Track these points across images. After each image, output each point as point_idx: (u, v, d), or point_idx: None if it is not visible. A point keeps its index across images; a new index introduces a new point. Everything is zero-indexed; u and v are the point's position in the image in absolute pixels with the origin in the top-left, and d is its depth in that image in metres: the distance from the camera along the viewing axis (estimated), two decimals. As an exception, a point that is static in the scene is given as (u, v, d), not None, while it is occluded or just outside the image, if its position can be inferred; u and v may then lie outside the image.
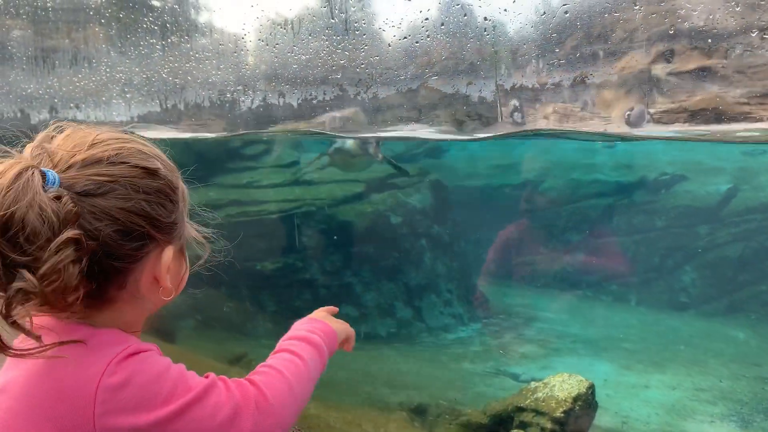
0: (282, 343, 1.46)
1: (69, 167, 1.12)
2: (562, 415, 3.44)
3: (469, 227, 8.56)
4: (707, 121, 3.83)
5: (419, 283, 7.21)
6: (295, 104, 3.85)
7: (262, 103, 3.94)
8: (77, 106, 4.65)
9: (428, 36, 3.80)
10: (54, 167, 1.11)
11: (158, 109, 4.29)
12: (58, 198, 1.05)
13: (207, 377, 1.22)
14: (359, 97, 4.12)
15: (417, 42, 3.85)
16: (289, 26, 3.59)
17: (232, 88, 3.98)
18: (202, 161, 6.67)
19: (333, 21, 3.63)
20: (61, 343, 1.11)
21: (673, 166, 10.06)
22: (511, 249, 8.10)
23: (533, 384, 3.79)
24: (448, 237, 7.80)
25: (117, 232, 1.12)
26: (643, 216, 9.61)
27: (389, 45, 3.91)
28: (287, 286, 6.33)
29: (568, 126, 4.39)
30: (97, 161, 1.13)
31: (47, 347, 1.09)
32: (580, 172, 10.27)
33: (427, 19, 3.78)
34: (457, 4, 3.73)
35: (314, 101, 3.81)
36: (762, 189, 9.41)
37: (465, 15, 3.74)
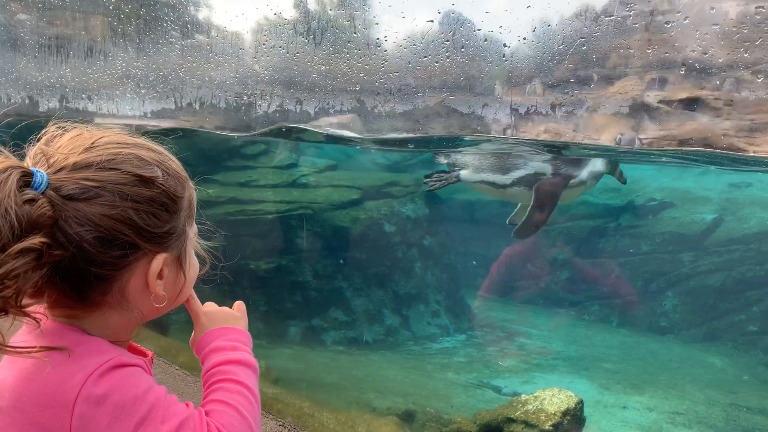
0: (220, 368, 1.33)
1: (61, 169, 1.10)
2: (551, 428, 3.56)
3: (459, 240, 8.68)
4: (693, 151, 3.94)
5: (408, 292, 7.31)
6: (312, 112, 3.91)
7: (278, 108, 4.00)
8: (89, 98, 4.67)
9: (428, 51, 3.86)
10: (48, 168, 1.11)
11: (173, 107, 4.32)
12: (31, 201, 1.04)
13: (187, 406, 1.18)
14: (377, 110, 4.18)
15: (417, 56, 3.91)
16: (311, 36, 3.66)
17: (250, 92, 4.02)
18: (203, 158, 6.72)
19: (355, 35, 3.71)
20: (47, 348, 1.09)
21: (661, 193, 10.25)
22: (500, 265, 8.20)
23: (523, 396, 3.90)
24: (439, 248, 7.90)
25: (98, 239, 1.10)
26: (629, 239, 9.79)
27: (384, 57, 3.99)
28: (279, 286, 6.40)
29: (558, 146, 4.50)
30: (88, 165, 1.11)
31: (32, 349, 1.08)
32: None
33: (427, 35, 3.84)
34: (458, 21, 3.81)
35: (331, 110, 3.87)
36: (746, 220, 9.61)
37: (465, 32, 3.81)
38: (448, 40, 3.84)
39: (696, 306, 8.87)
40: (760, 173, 7.85)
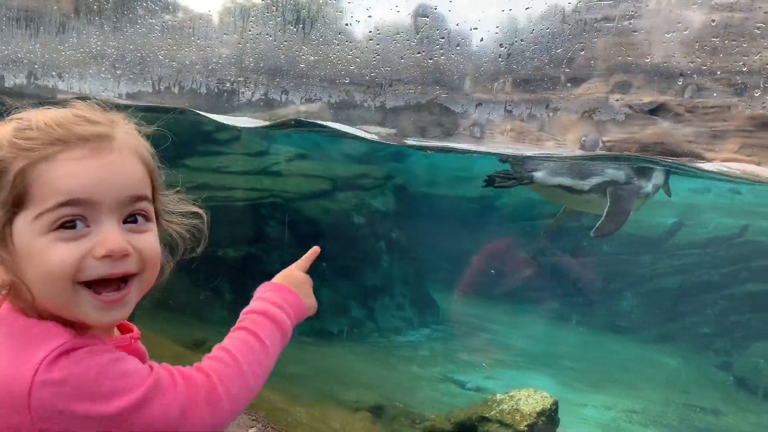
0: (246, 316, 1.35)
1: None
2: (526, 428, 3.64)
3: (426, 234, 8.76)
4: (656, 155, 4.06)
5: (374, 284, 7.36)
6: (298, 102, 3.88)
7: (262, 97, 3.95)
8: (59, 75, 4.55)
9: (398, 44, 3.87)
10: None
11: (150, 90, 4.22)
12: None
13: (152, 370, 1.14)
14: (345, 100, 4.18)
15: (387, 48, 3.92)
16: (300, 26, 3.63)
17: (233, 78, 3.94)
18: (174, 141, 6.59)
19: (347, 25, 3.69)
20: None
21: (623, 194, 10.50)
22: (465, 260, 8.32)
23: (498, 396, 3.97)
24: (406, 242, 7.96)
25: None
26: (591, 240, 10.02)
27: (361, 48, 3.99)
28: (246, 275, 6.34)
29: (524, 144, 4.58)
30: None
31: None
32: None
33: (399, 30, 3.87)
34: (427, 15, 3.82)
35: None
36: (704, 226, 9.97)
37: (435, 26, 3.83)
38: (417, 34, 3.86)
39: (653, 307, 9.18)
40: (718, 181, 8.16)
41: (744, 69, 3.24)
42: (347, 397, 4.77)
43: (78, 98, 1.23)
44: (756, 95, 3.30)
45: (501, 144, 4.45)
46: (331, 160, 8.36)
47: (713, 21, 3.30)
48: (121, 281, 1.14)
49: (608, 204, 5.44)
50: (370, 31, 3.92)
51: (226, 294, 6.35)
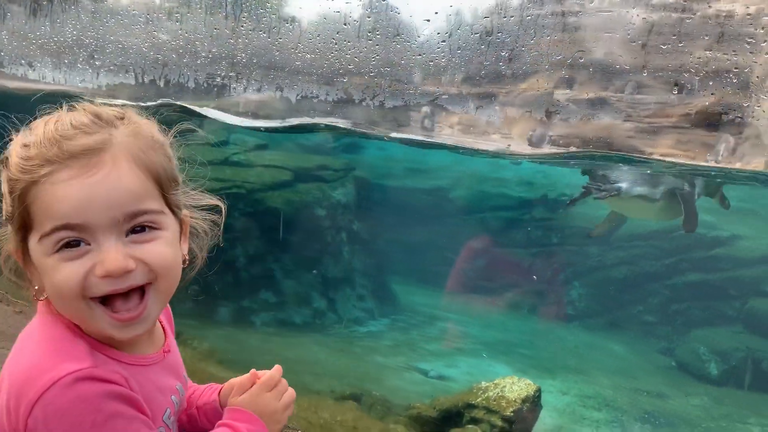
0: None
1: None
2: (512, 414, 3.83)
3: (385, 226, 9.00)
4: (598, 149, 4.27)
5: (336, 275, 7.57)
6: (293, 99, 3.99)
7: (256, 93, 4.04)
8: (30, 64, 4.53)
9: (347, 35, 3.95)
10: None
11: (132, 82, 4.24)
12: None
13: None
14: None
15: (336, 38, 3.98)
16: (296, 23, 3.75)
17: (224, 73, 4.02)
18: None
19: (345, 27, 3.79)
20: None
21: (571, 188, 10.96)
22: (421, 251, 8.63)
23: (483, 383, 4.17)
24: (366, 233, 8.19)
25: None
26: (540, 231, 10.47)
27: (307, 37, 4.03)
28: (210, 266, 6.42)
29: (470, 137, 4.79)
30: None
31: None
32: (488, 184, 11.01)
33: (350, 17, 3.92)
34: (378, 9, 3.92)
35: (314, 99, 3.95)
36: (648, 219, 10.49)
37: (388, 18, 3.92)
38: (369, 22, 3.93)
39: (600, 296, 9.62)
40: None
41: (680, 67, 3.47)
42: (319, 387, 4.92)
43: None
44: (692, 93, 3.55)
45: (449, 137, 4.60)
46: (289, 151, 8.50)
47: (652, 20, 3.50)
48: (140, 291, 1.16)
49: (682, 206, 6.00)
50: (317, 21, 3.98)
51: (188, 287, 6.41)
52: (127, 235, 1.12)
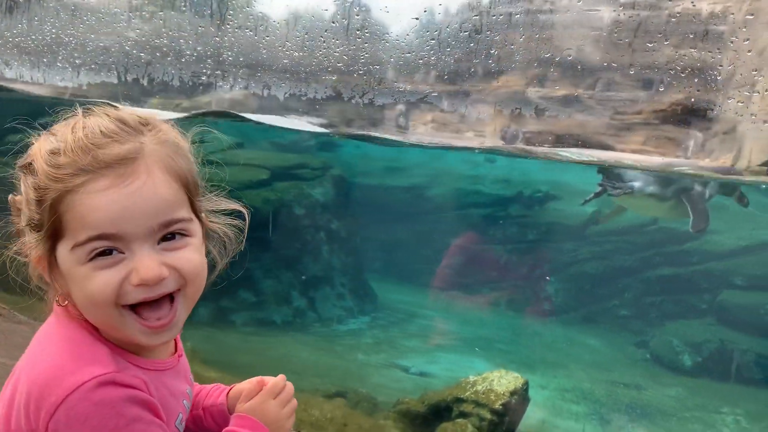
0: None
1: None
2: (501, 407, 3.91)
3: (363, 224, 9.07)
4: (570, 146, 4.34)
5: (315, 274, 7.63)
6: (281, 97, 4.02)
7: (243, 91, 4.05)
8: (6, 63, 4.51)
9: (324, 33, 3.97)
10: None
11: (115, 81, 4.23)
12: None
13: None
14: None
15: (309, 36, 4.01)
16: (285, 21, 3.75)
17: (209, 71, 4.03)
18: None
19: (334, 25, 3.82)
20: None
21: (546, 185, 11.16)
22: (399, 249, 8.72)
23: (471, 378, 4.23)
24: (345, 232, 8.26)
25: None
26: (516, 228, 10.64)
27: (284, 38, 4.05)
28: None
29: (445, 135, 4.75)
30: None
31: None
32: (464, 182, 11.15)
33: (321, 18, 3.95)
34: (350, 7, 3.94)
35: (303, 98, 3.98)
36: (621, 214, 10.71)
37: (361, 17, 3.94)
38: (343, 22, 3.96)
39: (575, 291, 9.79)
40: (633, 171, 8.82)
41: (650, 65, 3.57)
42: (303, 386, 4.98)
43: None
44: (661, 90, 3.65)
45: (424, 135, 4.61)
46: (264, 150, 8.52)
47: (621, 18, 3.57)
48: (169, 297, 1.18)
49: (689, 205, 6.24)
50: (289, 19, 3.98)
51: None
52: (158, 243, 1.15)
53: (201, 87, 4.25)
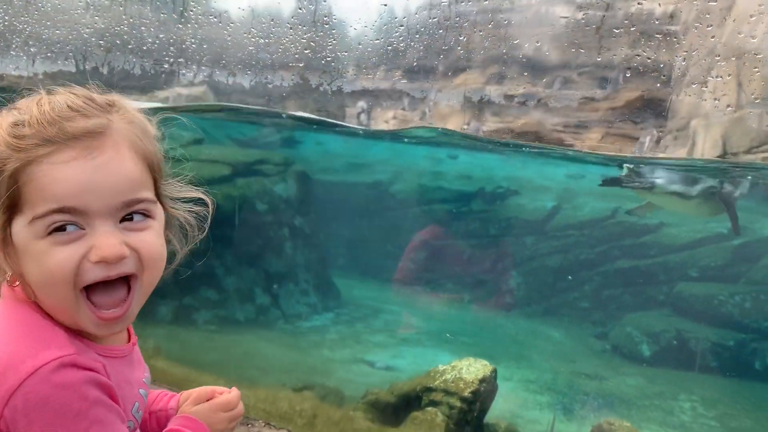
0: None
1: None
2: (470, 395, 3.96)
3: (326, 220, 9.13)
4: (529, 142, 4.44)
5: (278, 270, 7.67)
6: (247, 85, 4.01)
7: (207, 79, 4.03)
8: None
9: (280, 27, 3.99)
10: None
11: (73, 70, 4.17)
12: None
13: None
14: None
15: (269, 30, 4.02)
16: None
17: (172, 59, 3.99)
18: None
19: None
20: None
21: (507, 181, 11.37)
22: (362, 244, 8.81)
23: (441, 367, 4.27)
24: (308, 228, 8.32)
25: None
26: (478, 223, 10.84)
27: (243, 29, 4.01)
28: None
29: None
30: None
31: None
32: (426, 178, 11.29)
33: (281, 12, 3.94)
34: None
35: (269, 85, 3.98)
36: (580, 209, 10.95)
37: (321, 10, 3.94)
38: (304, 15, 3.97)
39: (537, 285, 10.02)
40: (590, 165, 9.07)
41: (605, 64, 3.68)
42: (268, 382, 4.99)
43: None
44: (617, 88, 3.76)
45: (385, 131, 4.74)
46: (224, 146, 8.51)
47: (577, 18, 3.65)
48: (124, 280, 1.15)
49: (725, 207, 6.42)
50: (246, 12, 3.96)
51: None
52: (120, 222, 1.12)
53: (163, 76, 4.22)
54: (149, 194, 1.17)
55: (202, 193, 1.37)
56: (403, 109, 4.37)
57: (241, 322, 6.93)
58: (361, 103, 4.43)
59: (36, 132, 1.07)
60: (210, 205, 1.37)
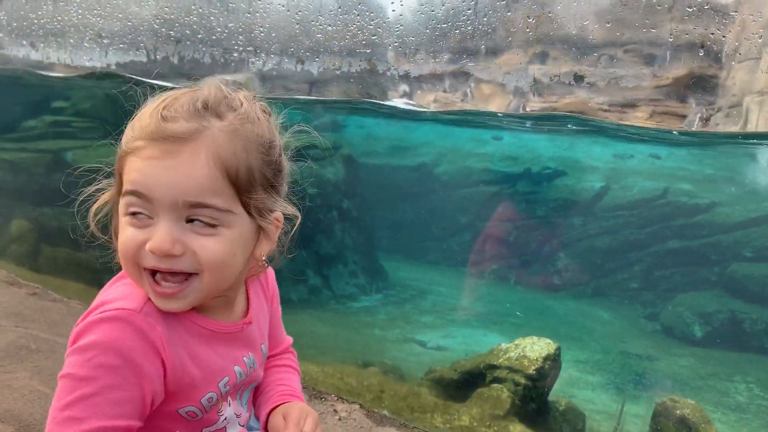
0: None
1: None
2: (534, 372, 4.00)
3: (372, 203, 9.33)
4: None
5: (329, 252, 7.96)
6: (315, 72, 4.19)
7: (275, 66, 4.19)
8: (32, 45, 4.67)
9: (321, 14, 4.02)
10: None
11: (144, 60, 4.36)
12: None
13: None
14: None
15: (309, 18, 4.05)
16: None
17: (242, 48, 4.13)
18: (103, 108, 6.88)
19: None
20: None
21: (554, 162, 11.42)
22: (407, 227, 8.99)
23: (503, 345, 4.32)
24: (356, 211, 8.59)
25: None
26: (525, 204, 10.93)
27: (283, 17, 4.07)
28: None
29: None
30: None
31: None
32: (472, 160, 11.41)
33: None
34: None
35: (337, 71, 4.14)
36: (629, 189, 10.95)
37: None
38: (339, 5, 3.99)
39: (585, 265, 10.10)
40: (639, 145, 9.04)
41: (652, 40, 3.66)
42: (324, 359, 5.21)
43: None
44: (664, 65, 3.75)
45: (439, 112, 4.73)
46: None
47: None
48: (188, 275, 1.26)
49: None
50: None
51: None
52: (188, 222, 1.22)
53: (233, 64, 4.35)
54: (220, 203, 1.22)
55: (293, 207, 1.45)
56: (445, 90, 4.40)
57: (295, 302, 7.19)
58: (403, 87, 4.47)
59: (139, 128, 1.23)
60: (297, 221, 1.46)
